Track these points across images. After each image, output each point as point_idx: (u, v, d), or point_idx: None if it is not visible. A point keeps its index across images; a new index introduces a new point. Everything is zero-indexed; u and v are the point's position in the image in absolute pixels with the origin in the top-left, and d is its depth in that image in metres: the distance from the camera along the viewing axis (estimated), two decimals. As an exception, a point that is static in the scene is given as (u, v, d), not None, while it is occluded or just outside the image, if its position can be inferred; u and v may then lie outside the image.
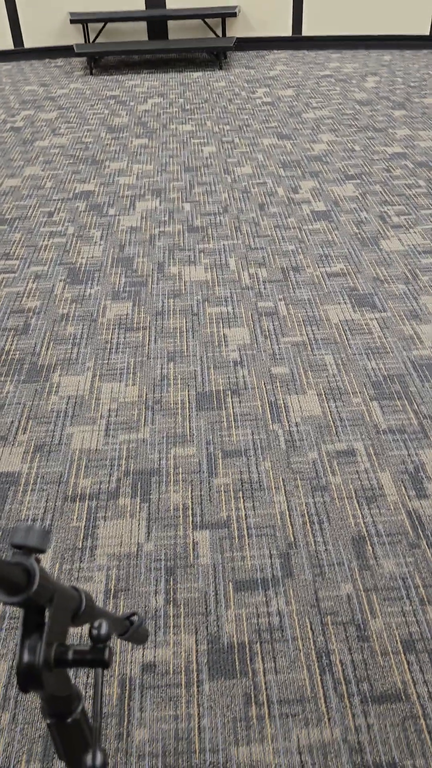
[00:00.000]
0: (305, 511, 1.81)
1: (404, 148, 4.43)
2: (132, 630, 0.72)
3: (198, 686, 1.42)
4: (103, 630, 0.52)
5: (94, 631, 0.52)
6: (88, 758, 0.47)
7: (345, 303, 2.73)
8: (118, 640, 1.48)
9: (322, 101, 5.58)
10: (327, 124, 4.97)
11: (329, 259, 3.08)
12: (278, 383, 2.30)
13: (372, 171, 4.06)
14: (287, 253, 3.14)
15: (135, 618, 0.73)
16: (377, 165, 4.16)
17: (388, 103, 5.47)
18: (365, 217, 3.46)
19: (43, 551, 0.51)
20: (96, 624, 0.52)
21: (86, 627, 1.56)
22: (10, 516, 1.83)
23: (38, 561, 0.50)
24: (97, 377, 2.36)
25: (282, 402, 2.21)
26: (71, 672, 1.45)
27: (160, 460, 2.00)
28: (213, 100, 5.74)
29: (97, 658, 0.52)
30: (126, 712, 1.38)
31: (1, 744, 1.34)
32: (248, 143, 4.63)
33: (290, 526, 1.77)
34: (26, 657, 0.49)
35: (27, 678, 0.48)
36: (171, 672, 1.45)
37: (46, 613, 0.51)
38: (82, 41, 7.48)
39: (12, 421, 2.17)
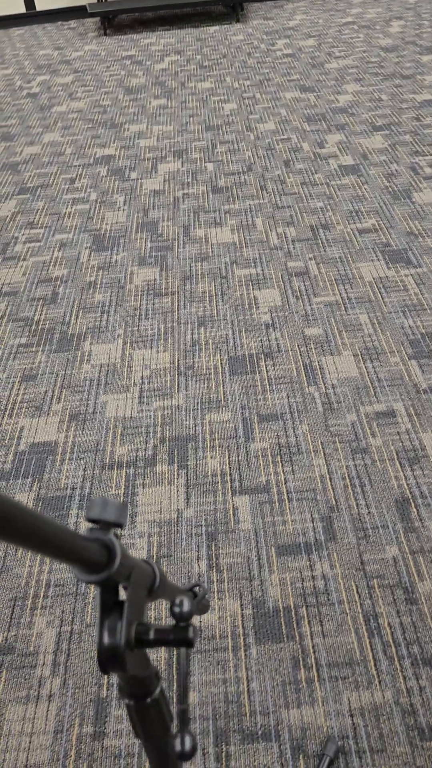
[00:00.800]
0: (346, 474, 1.78)
1: (434, 96, 4.23)
2: (197, 601, 0.70)
3: (245, 650, 1.41)
4: (186, 607, 0.49)
5: (176, 609, 0.50)
6: (177, 742, 0.45)
7: (378, 260, 2.65)
8: (164, 602, 1.49)
9: (346, 50, 5.36)
10: (351, 74, 4.78)
11: (360, 214, 2.98)
12: (312, 345, 2.25)
13: (401, 120, 3.90)
14: (316, 210, 3.05)
15: (198, 589, 0.71)
16: (406, 114, 3.99)
17: (415, 48, 5.23)
18: (396, 170, 3.33)
19: (122, 526, 0.48)
20: (177, 601, 0.50)
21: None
22: (49, 485, 1.84)
23: (117, 537, 0.47)
24: (128, 344, 2.33)
25: (317, 364, 2.16)
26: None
27: (195, 426, 1.98)
28: (231, 54, 5.55)
29: (181, 637, 0.49)
30: (175, 677, 1.38)
31: (54, 709, 1.35)
32: (270, 98, 4.48)
33: (331, 490, 1.74)
34: (107, 638, 0.46)
35: (109, 660, 0.46)
36: (217, 636, 1.44)
37: (121, 591, 0.48)
38: (95, 0, 7.26)
39: (46, 391, 2.16)
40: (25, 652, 1.46)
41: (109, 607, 0.47)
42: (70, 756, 1.28)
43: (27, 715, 1.35)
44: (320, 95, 4.44)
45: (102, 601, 0.47)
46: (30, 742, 1.31)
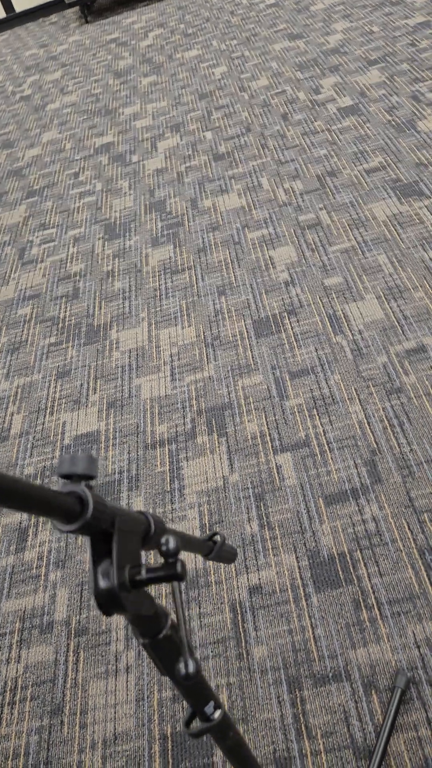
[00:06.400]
0: (383, 416, 1.78)
1: (427, 16, 4.06)
2: (216, 549, 0.73)
3: (306, 600, 1.45)
4: (172, 544, 0.52)
5: (164, 547, 0.53)
6: (181, 666, 0.49)
7: (390, 197, 2.59)
8: (225, 565, 1.53)
9: (330, -12, 5.16)
10: (338, 12, 4.62)
11: (365, 154, 2.91)
12: (334, 294, 2.23)
13: (396, 50, 3.76)
14: (320, 158, 2.99)
15: (217, 537, 0.74)
16: (401, 41, 3.84)
17: (401, -29, 5.00)
18: (396, 102, 3.23)
19: (92, 477, 0.52)
20: (163, 540, 0.53)
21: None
22: (99, 471, 1.90)
23: (90, 488, 0.51)
24: (153, 325, 2.36)
25: (341, 312, 2.15)
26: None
27: (229, 394, 2.00)
28: (214, 17, 5.43)
29: (170, 572, 0.52)
30: (242, 634, 1.43)
31: (132, 679, 1.42)
32: (259, 53, 4.38)
33: (371, 434, 1.75)
34: (101, 582, 0.50)
35: (106, 602, 0.50)
36: (278, 591, 1.48)
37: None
38: (71, -10, 7.19)
39: (81, 384, 2.22)
40: (98, 631, 1.53)
41: (101, 555, 0.51)
42: (154, 720, 1.35)
43: (108, 688, 1.42)
44: (309, 40, 4.32)
45: (92, 550, 0.51)
46: (115, 713, 1.38)
